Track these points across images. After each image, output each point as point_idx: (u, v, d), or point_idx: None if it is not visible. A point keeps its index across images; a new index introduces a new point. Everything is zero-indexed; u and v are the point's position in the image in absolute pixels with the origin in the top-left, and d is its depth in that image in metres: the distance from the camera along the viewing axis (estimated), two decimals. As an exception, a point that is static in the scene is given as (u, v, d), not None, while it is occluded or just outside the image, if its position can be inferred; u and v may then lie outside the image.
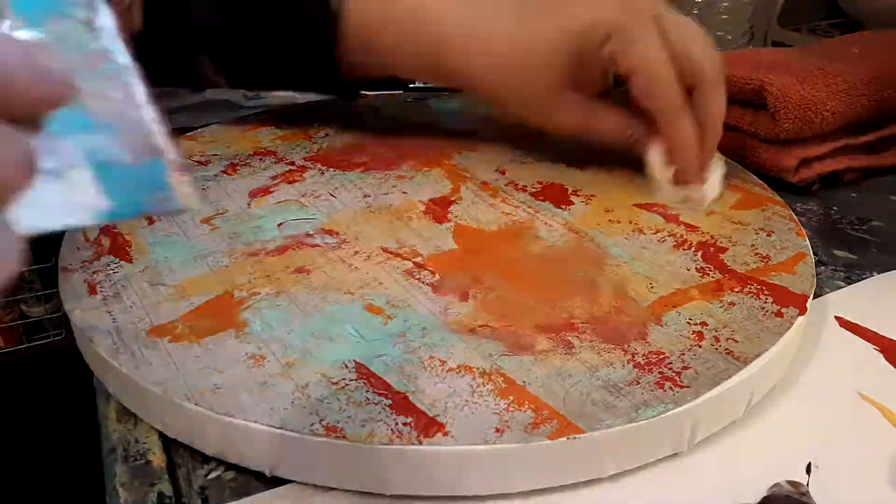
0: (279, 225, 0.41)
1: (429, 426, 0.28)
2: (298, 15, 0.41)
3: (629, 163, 0.46)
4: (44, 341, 1.19)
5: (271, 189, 0.46)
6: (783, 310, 0.34)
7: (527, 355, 0.31)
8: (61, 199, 0.18)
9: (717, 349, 0.32)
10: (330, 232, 0.41)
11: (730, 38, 0.75)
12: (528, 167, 0.49)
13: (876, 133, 0.54)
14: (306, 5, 0.41)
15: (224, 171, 0.48)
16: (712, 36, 0.74)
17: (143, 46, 0.21)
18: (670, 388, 0.30)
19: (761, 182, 0.47)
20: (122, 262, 0.38)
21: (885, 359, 0.36)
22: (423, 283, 0.36)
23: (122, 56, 0.18)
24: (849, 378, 0.34)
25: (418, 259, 0.38)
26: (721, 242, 0.40)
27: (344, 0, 0.41)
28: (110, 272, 0.37)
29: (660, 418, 0.28)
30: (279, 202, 0.44)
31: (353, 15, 0.42)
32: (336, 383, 0.30)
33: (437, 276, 0.37)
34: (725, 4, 0.74)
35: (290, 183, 0.46)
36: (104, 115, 0.18)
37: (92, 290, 0.36)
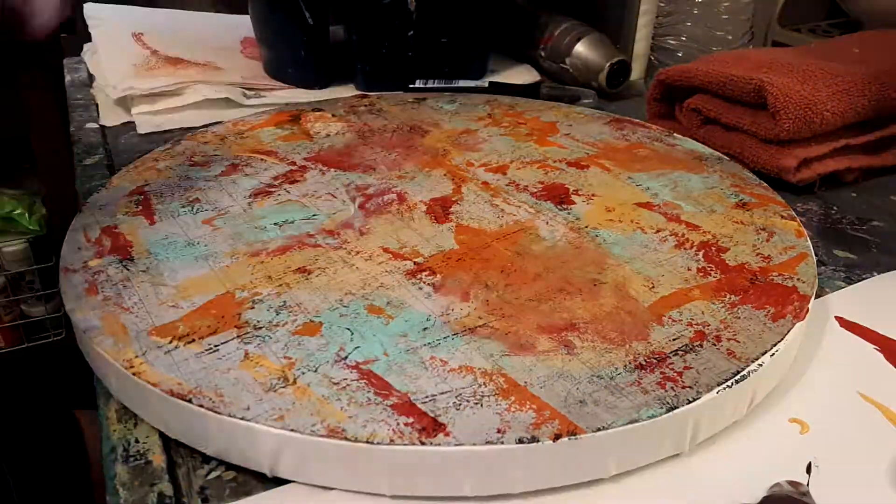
0: (280, 225, 0.42)
1: (430, 427, 0.28)
2: None
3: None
4: (44, 341, 1.19)
5: (272, 189, 0.46)
6: (784, 310, 0.34)
7: (528, 355, 0.31)
8: None
9: (718, 349, 0.32)
10: (331, 232, 0.41)
11: (730, 38, 0.75)
12: (530, 167, 0.49)
13: (876, 133, 0.54)
14: None
15: (225, 172, 0.48)
16: (712, 36, 0.74)
17: None
18: (672, 388, 0.30)
19: (761, 182, 0.47)
20: (124, 263, 0.38)
21: (886, 359, 0.36)
22: (424, 283, 0.36)
23: None
24: (849, 378, 0.34)
25: (419, 259, 0.38)
26: (722, 242, 0.40)
27: None
28: (111, 272, 0.37)
29: (661, 418, 0.28)
30: (280, 202, 0.44)
31: None
32: (337, 384, 0.30)
33: (439, 277, 0.37)
34: (725, 4, 0.74)
35: (291, 183, 0.46)
36: None
37: (93, 290, 0.36)
